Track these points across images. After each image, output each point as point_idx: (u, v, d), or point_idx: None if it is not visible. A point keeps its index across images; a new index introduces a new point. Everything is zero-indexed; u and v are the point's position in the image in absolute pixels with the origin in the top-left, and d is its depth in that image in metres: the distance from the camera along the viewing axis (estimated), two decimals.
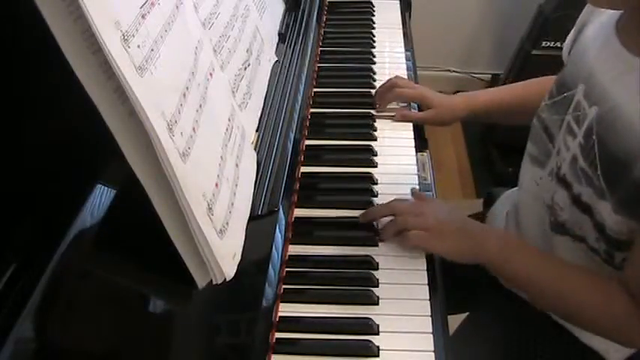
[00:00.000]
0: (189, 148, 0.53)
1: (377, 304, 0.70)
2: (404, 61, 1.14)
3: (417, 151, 0.93)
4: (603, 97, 0.69)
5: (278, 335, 0.66)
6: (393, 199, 0.79)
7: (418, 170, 0.89)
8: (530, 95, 0.97)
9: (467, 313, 0.97)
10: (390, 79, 1.02)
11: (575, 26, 0.84)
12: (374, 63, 1.13)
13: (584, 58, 0.75)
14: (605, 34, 0.72)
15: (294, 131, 0.84)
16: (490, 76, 2.28)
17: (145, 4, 0.50)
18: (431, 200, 0.82)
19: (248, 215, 0.67)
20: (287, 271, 0.73)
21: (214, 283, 0.57)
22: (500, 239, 0.75)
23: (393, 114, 1.00)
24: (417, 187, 0.86)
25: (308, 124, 0.97)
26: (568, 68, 0.80)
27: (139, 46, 0.47)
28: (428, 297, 0.70)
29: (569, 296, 0.71)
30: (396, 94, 1.00)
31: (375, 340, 0.66)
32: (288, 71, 0.94)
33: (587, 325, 0.74)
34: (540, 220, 0.82)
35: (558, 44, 1.76)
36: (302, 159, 0.89)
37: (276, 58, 0.94)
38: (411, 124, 0.98)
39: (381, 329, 0.67)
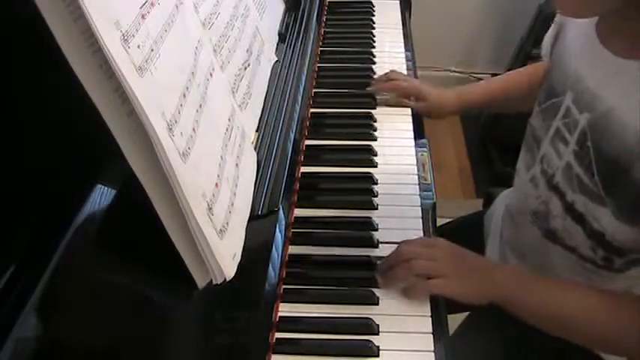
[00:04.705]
0: (189, 148, 0.53)
1: (377, 304, 0.70)
2: (404, 61, 1.14)
3: (416, 149, 0.93)
4: (594, 102, 0.68)
5: (278, 335, 0.66)
6: (400, 243, 0.74)
7: (418, 170, 0.89)
8: (520, 86, 1.00)
9: (467, 313, 0.97)
10: (387, 72, 1.05)
11: (554, 25, 0.83)
12: (374, 63, 1.13)
13: (569, 63, 0.73)
14: (585, 37, 0.70)
15: (294, 131, 0.84)
16: (490, 76, 2.28)
17: (145, 4, 0.50)
18: (439, 242, 0.76)
19: (248, 215, 0.67)
20: (287, 271, 0.73)
21: (214, 283, 0.57)
22: (514, 272, 0.74)
23: (388, 97, 1.03)
24: (417, 187, 0.86)
25: (308, 124, 0.97)
26: (554, 74, 0.78)
27: (139, 46, 0.47)
28: (428, 297, 0.70)
29: (591, 318, 0.68)
30: (393, 85, 1.03)
31: (375, 340, 0.66)
32: (288, 71, 0.94)
33: (609, 346, 0.72)
34: (532, 227, 0.82)
35: None
36: (302, 159, 0.89)
37: (276, 58, 0.94)
38: (410, 124, 0.99)
39: (381, 329, 0.67)
